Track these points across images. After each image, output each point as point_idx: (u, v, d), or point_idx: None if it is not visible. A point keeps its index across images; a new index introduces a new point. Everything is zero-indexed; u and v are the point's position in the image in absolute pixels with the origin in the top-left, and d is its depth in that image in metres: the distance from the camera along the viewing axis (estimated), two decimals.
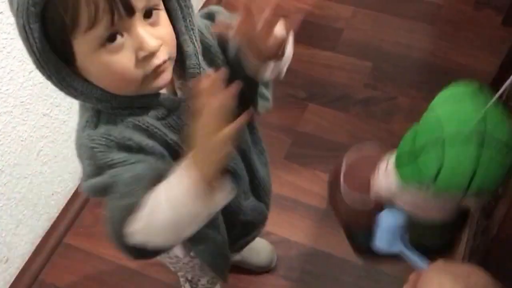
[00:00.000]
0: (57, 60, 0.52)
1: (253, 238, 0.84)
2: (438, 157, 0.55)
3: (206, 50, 0.62)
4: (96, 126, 0.57)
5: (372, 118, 1.39)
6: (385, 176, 0.64)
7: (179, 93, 0.61)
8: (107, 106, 0.56)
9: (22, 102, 1.04)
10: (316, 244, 1.20)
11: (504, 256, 0.66)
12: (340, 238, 1.23)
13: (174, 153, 0.60)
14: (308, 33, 1.57)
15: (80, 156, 0.59)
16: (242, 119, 0.50)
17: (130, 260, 1.20)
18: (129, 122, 0.57)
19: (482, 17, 1.56)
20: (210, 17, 0.64)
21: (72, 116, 1.19)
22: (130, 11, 0.51)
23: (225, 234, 0.73)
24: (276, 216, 1.24)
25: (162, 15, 0.55)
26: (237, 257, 1.14)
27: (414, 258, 0.64)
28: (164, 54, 0.54)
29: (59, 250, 1.25)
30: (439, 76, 1.45)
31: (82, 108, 0.60)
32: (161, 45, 0.53)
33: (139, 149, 0.57)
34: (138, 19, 0.51)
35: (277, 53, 0.57)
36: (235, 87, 0.50)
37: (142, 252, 0.58)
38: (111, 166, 0.56)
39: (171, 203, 0.53)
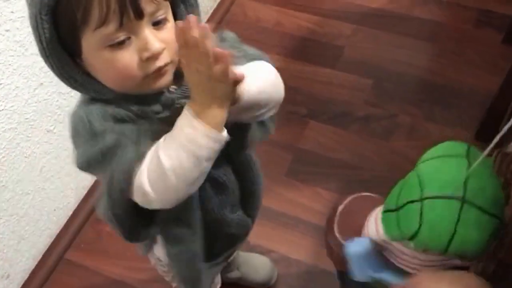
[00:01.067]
0: (62, 51, 0.54)
1: (233, 252, 0.84)
2: (416, 218, 0.56)
3: None
4: (90, 104, 0.58)
5: (372, 136, 1.39)
6: (374, 228, 0.66)
7: (173, 90, 0.62)
8: (103, 99, 0.58)
9: (27, 118, 1.06)
10: (316, 262, 1.20)
11: (509, 280, 0.66)
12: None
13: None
14: (309, 50, 1.59)
15: (75, 129, 0.58)
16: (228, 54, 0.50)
17: (131, 277, 1.21)
18: (125, 107, 0.58)
19: (482, 36, 1.57)
20: (221, 40, 0.66)
21: None
22: (140, 14, 0.53)
23: (200, 242, 0.72)
24: (277, 234, 1.24)
25: (169, 23, 0.56)
26: (236, 274, 1.14)
27: (390, 279, 0.65)
28: (167, 57, 0.56)
29: (60, 266, 1.25)
30: (440, 94, 1.46)
31: (80, 99, 0.62)
32: (164, 48, 0.55)
33: (134, 122, 0.58)
34: (145, 22, 0.53)
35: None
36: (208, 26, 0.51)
37: (137, 232, 0.61)
38: (110, 132, 0.56)
39: (180, 143, 0.54)
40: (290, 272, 1.19)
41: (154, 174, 0.55)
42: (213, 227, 0.72)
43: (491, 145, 0.58)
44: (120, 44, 0.53)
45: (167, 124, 0.57)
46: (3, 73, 0.97)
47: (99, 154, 0.56)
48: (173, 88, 0.61)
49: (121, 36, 0.53)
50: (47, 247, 1.23)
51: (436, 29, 1.60)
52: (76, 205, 1.29)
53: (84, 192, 1.30)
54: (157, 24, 0.55)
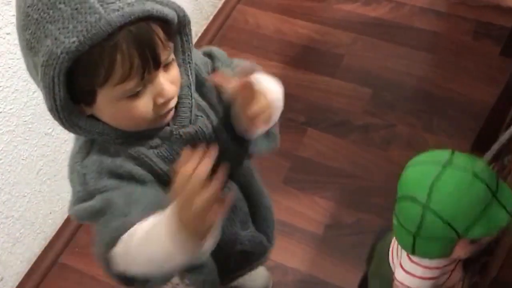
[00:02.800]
0: (73, 106, 0.53)
1: (253, 269, 0.84)
2: (395, 210, 0.65)
3: (200, 84, 0.64)
4: (87, 154, 0.58)
5: (370, 145, 1.40)
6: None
7: (169, 122, 0.62)
8: (105, 139, 0.58)
9: (25, 121, 1.05)
10: (312, 271, 1.20)
11: None
12: (336, 265, 1.23)
13: (163, 182, 0.60)
14: (309, 58, 1.59)
15: (71, 180, 0.60)
16: (218, 182, 0.47)
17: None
18: (122, 151, 0.58)
19: (480, 47, 1.58)
20: (211, 57, 0.66)
21: (73, 136, 1.20)
22: (158, 65, 0.53)
23: (212, 263, 0.72)
24: None
25: (174, 62, 0.57)
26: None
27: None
28: (176, 96, 0.57)
29: (54, 270, 1.24)
30: (438, 104, 1.47)
31: (76, 135, 0.61)
32: (175, 90, 0.56)
33: (130, 178, 0.58)
34: (160, 70, 0.54)
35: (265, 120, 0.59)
36: (210, 157, 0.48)
37: (129, 280, 0.58)
38: (102, 192, 0.57)
39: (147, 238, 0.52)
40: (286, 280, 1.19)
41: (125, 261, 0.55)
42: (225, 245, 0.71)
43: (490, 153, 0.59)
44: (137, 94, 0.53)
45: (164, 161, 0.59)
46: (2, 75, 0.97)
47: (93, 211, 0.57)
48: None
49: (139, 88, 0.53)
50: (41, 250, 1.22)
51: (435, 39, 1.61)
52: None
53: None
54: (166, 65, 0.55)
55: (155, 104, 0.55)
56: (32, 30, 0.49)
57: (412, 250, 0.64)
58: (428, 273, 0.68)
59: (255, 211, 0.74)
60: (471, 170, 0.60)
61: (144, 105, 0.54)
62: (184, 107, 0.61)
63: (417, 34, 1.62)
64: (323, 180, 1.34)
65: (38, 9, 0.48)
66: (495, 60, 1.53)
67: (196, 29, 1.59)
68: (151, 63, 0.52)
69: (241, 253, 0.76)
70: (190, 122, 0.61)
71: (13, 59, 0.98)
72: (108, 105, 0.54)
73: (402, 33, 1.62)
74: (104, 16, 0.47)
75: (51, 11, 0.48)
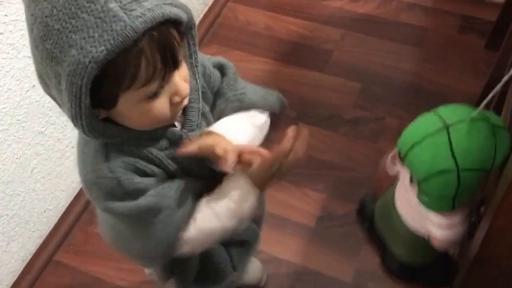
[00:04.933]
0: (93, 112, 0.54)
1: (251, 256, 0.86)
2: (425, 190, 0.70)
3: (202, 92, 0.65)
4: (107, 157, 0.59)
5: (360, 138, 1.42)
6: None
7: (177, 124, 0.64)
8: (117, 140, 0.59)
9: (18, 120, 1.06)
10: (305, 263, 1.22)
11: (483, 277, 0.68)
12: (329, 256, 1.25)
13: (172, 178, 0.62)
14: (299, 54, 1.61)
15: (96, 189, 0.59)
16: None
17: (120, 278, 1.21)
18: (136, 152, 0.59)
19: (466, 41, 1.61)
20: (220, 69, 0.69)
21: (67, 134, 1.20)
22: (177, 66, 0.55)
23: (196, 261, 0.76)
24: (266, 235, 1.24)
25: (183, 60, 0.58)
26: None
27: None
28: (188, 94, 0.59)
29: (49, 268, 1.25)
30: (425, 97, 1.49)
31: (85, 137, 0.60)
32: (188, 88, 0.58)
33: (152, 173, 0.60)
34: (176, 70, 0.55)
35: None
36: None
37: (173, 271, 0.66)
38: (143, 190, 0.59)
39: (230, 209, 0.61)
40: (280, 272, 1.21)
41: (202, 238, 0.63)
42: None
43: (483, 104, 0.62)
44: (155, 94, 0.54)
45: (174, 162, 0.61)
46: None
47: (146, 209, 0.59)
48: (178, 116, 0.63)
49: (159, 88, 0.54)
50: (36, 248, 1.23)
51: (421, 34, 1.64)
52: (66, 207, 1.29)
53: (74, 193, 1.30)
54: (179, 65, 0.57)
55: (171, 103, 0.56)
56: (54, 40, 0.48)
57: (453, 207, 0.66)
58: (465, 214, 0.71)
59: None
60: (466, 117, 0.63)
61: (161, 105, 0.55)
62: (193, 111, 0.63)
63: (404, 29, 1.65)
64: (314, 173, 1.36)
65: (59, 19, 0.48)
66: (480, 53, 1.56)
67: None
68: (171, 64, 0.53)
69: (240, 243, 0.79)
70: (197, 126, 0.63)
71: (6, 58, 0.98)
72: (127, 108, 0.55)
73: (390, 28, 1.65)
74: (129, 23, 0.47)
75: (73, 21, 0.48)
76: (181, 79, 0.56)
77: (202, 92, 0.65)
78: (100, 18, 0.47)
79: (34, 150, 1.12)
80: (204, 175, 0.65)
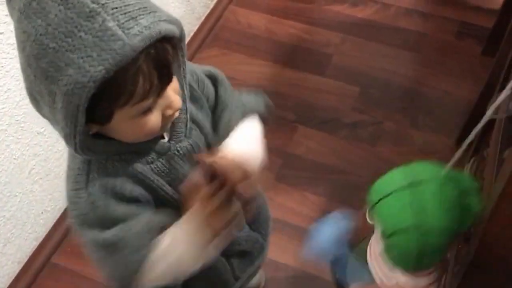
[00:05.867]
0: (87, 130, 0.53)
1: (257, 268, 0.85)
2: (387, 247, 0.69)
3: (195, 98, 0.66)
4: (88, 175, 0.58)
5: (359, 141, 1.42)
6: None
7: (165, 134, 0.64)
8: (104, 156, 0.58)
9: (17, 120, 1.05)
10: (304, 266, 1.21)
11: (479, 283, 0.68)
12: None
13: (158, 197, 0.63)
14: (298, 57, 1.61)
15: (74, 203, 0.59)
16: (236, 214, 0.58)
17: None
18: (119, 169, 0.59)
19: (463, 47, 1.62)
20: (211, 79, 0.69)
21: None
22: (171, 80, 0.55)
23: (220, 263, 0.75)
24: None
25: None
26: None
27: (354, 264, 0.69)
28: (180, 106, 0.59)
29: (46, 270, 1.24)
30: (423, 102, 1.50)
31: (72, 154, 0.60)
32: (180, 100, 0.58)
33: (131, 198, 0.59)
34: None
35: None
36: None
37: None
38: (115, 219, 0.58)
39: (169, 250, 0.60)
40: (279, 276, 1.20)
41: (152, 278, 0.61)
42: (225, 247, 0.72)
43: (453, 160, 0.62)
44: (149, 109, 0.54)
45: (160, 176, 0.61)
46: None
47: (106, 245, 0.59)
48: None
49: (153, 103, 0.54)
50: (33, 250, 1.22)
51: (419, 39, 1.65)
52: (63, 208, 1.27)
53: None
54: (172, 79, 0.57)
55: (164, 116, 0.56)
56: (49, 59, 0.47)
57: (416, 267, 0.66)
58: (432, 277, 0.71)
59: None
60: (436, 177, 0.63)
61: (155, 118, 0.55)
62: (180, 122, 0.62)
63: (403, 34, 1.66)
64: (314, 176, 1.36)
65: (55, 38, 0.47)
66: (478, 59, 1.58)
67: (188, 30, 1.60)
68: (166, 79, 0.53)
69: (241, 253, 0.78)
70: (185, 136, 0.63)
71: (6, 58, 0.97)
72: (121, 123, 0.54)
73: (388, 33, 1.66)
74: (128, 42, 0.47)
75: (69, 40, 0.47)
76: (173, 92, 0.56)
77: (196, 98, 0.65)
78: (98, 37, 0.46)
79: (32, 150, 1.11)
80: None
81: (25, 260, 1.20)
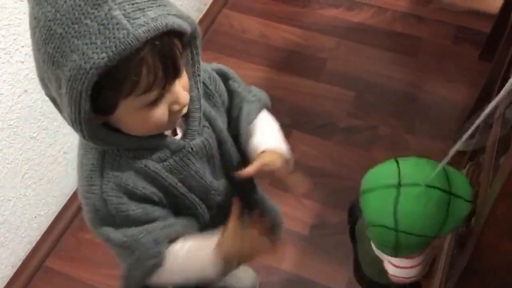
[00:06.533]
0: (93, 117, 0.54)
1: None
2: (370, 234, 0.70)
3: (208, 96, 0.67)
4: (101, 171, 0.59)
5: (354, 146, 1.42)
6: None
7: (178, 131, 0.64)
8: (117, 147, 0.59)
9: (10, 125, 1.05)
10: (298, 271, 1.21)
11: (474, 286, 0.68)
12: (322, 265, 1.25)
13: (169, 195, 0.63)
14: (293, 62, 1.62)
15: (88, 198, 0.60)
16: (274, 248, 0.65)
17: (110, 285, 1.20)
18: (133, 166, 0.59)
19: (460, 51, 1.62)
20: (222, 76, 0.70)
21: (58, 140, 1.20)
22: (178, 74, 0.55)
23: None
24: None
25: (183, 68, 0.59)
26: (219, 283, 1.14)
27: None
28: (188, 102, 0.59)
29: (40, 274, 1.24)
30: (419, 107, 1.50)
31: (85, 147, 0.61)
32: (188, 97, 0.58)
33: (143, 197, 0.61)
34: (177, 79, 0.56)
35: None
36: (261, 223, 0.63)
37: None
38: (125, 217, 0.60)
39: (187, 273, 0.64)
40: (273, 280, 1.20)
41: (161, 280, 0.65)
42: None
43: (447, 158, 0.62)
44: (155, 102, 0.55)
45: (172, 174, 0.62)
46: None
47: (120, 245, 0.61)
48: (178, 123, 0.64)
49: (159, 96, 0.54)
50: (26, 254, 1.22)
51: (416, 44, 1.65)
52: (57, 213, 1.28)
53: (66, 199, 1.29)
54: (180, 74, 0.57)
55: (170, 111, 0.57)
56: (56, 45, 0.48)
57: (395, 255, 0.67)
58: (416, 261, 0.71)
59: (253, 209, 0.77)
60: (421, 182, 0.63)
61: (161, 112, 0.56)
62: (194, 120, 0.63)
63: (399, 38, 1.66)
64: (308, 180, 1.36)
65: (62, 24, 0.48)
66: (474, 63, 1.58)
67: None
68: (172, 72, 0.54)
69: None
70: (198, 134, 0.64)
71: None
72: (126, 114, 0.55)
73: (384, 37, 1.66)
74: (132, 31, 0.48)
75: (76, 26, 0.48)
76: (182, 88, 0.56)
77: (210, 96, 0.66)
78: (103, 25, 0.47)
79: (25, 155, 1.12)
80: (203, 184, 0.66)
81: (19, 263, 1.21)
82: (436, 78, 1.56)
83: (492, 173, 0.74)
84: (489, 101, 0.64)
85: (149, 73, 0.51)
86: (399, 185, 0.62)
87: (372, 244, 0.73)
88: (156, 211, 0.62)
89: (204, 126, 0.65)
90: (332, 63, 1.60)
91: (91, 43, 0.47)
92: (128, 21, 0.48)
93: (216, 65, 0.71)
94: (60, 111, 0.56)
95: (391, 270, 0.73)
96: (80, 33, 0.47)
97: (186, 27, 0.54)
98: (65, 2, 0.48)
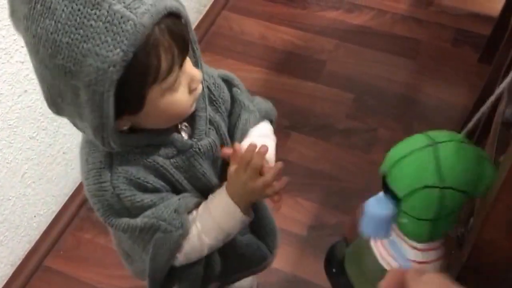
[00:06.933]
0: (117, 126, 0.54)
1: (250, 274, 0.87)
2: (404, 209, 0.66)
3: (212, 101, 0.67)
4: (110, 167, 0.59)
5: (353, 148, 1.43)
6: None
7: (183, 133, 0.65)
8: (129, 149, 0.59)
9: (10, 125, 1.06)
10: (296, 271, 1.21)
11: (472, 286, 0.69)
12: (320, 265, 1.25)
13: (177, 191, 0.64)
14: (292, 64, 1.62)
15: (98, 196, 0.60)
16: (278, 167, 0.66)
17: (110, 284, 1.21)
18: (141, 161, 0.60)
19: (460, 54, 1.62)
20: (227, 83, 0.71)
21: (58, 140, 1.21)
22: (187, 49, 0.56)
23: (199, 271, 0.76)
24: None
25: None
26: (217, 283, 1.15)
27: (397, 248, 0.68)
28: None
29: (39, 273, 1.24)
30: (418, 109, 1.50)
31: (90, 145, 0.61)
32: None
33: (154, 189, 0.61)
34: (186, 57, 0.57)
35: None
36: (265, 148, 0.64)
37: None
38: (141, 208, 0.60)
39: (216, 225, 0.65)
40: (271, 280, 1.20)
41: (193, 252, 0.66)
42: (223, 246, 0.73)
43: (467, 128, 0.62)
44: (175, 86, 0.55)
45: (180, 171, 0.63)
46: None
47: (143, 228, 0.61)
48: (184, 125, 0.65)
49: (177, 78, 0.55)
50: (26, 253, 1.22)
51: (415, 46, 1.65)
52: (56, 212, 1.28)
53: (65, 199, 1.30)
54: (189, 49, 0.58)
55: (190, 91, 0.58)
56: (65, 55, 0.48)
57: (429, 236, 0.65)
58: (439, 252, 0.71)
59: (254, 220, 0.76)
60: (454, 138, 0.63)
61: (182, 95, 0.57)
62: (201, 119, 0.64)
63: (398, 41, 1.66)
64: (306, 182, 1.36)
65: (66, 32, 0.47)
66: (474, 66, 1.58)
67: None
68: (184, 48, 0.54)
69: (240, 256, 0.79)
70: (205, 134, 0.64)
71: None
72: (153, 105, 0.55)
73: (384, 40, 1.66)
74: (138, 21, 0.48)
75: (81, 31, 0.47)
76: (191, 65, 0.58)
77: (213, 101, 0.67)
78: (108, 22, 0.47)
79: (25, 155, 1.12)
80: (208, 185, 0.67)
81: (18, 263, 1.21)
82: (435, 80, 1.56)
83: None
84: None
85: (167, 53, 0.51)
86: (435, 143, 0.62)
87: (399, 231, 0.70)
88: (168, 194, 0.63)
89: (209, 129, 0.66)
90: (332, 65, 1.61)
91: (102, 43, 0.47)
92: (131, 12, 0.48)
93: (223, 72, 0.72)
94: (76, 124, 0.55)
95: (412, 255, 0.71)
96: (87, 37, 0.47)
97: (182, 9, 0.55)
98: (63, 11, 0.47)
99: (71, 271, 1.24)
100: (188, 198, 0.64)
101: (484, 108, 0.59)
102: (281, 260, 1.23)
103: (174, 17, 0.53)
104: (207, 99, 0.64)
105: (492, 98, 0.58)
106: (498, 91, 0.56)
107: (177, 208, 0.62)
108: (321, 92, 1.54)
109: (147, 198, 0.60)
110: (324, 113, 1.50)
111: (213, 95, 0.67)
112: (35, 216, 1.22)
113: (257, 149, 0.63)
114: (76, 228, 1.30)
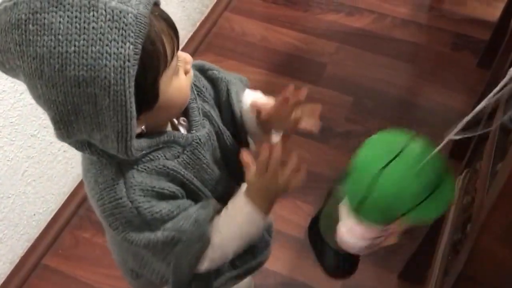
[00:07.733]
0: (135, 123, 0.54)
1: (259, 263, 0.87)
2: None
3: (197, 92, 0.68)
4: (124, 182, 0.58)
5: (351, 151, 1.41)
6: None
7: (181, 129, 0.66)
8: (140, 151, 0.58)
9: (12, 122, 1.06)
10: (293, 274, 1.22)
11: None
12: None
13: (188, 190, 0.64)
14: (293, 66, 1.63)
15: (116, 219, 0.59)
16: (302, 171, 0.69)
17: (108, 284, 1.21)
18: (152, 169, 0.59)
19: (459, 59, 1.63)
20: (199, 70, 0.70)
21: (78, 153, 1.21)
22: (178, 33, 0.57)
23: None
24: None
25: None
26: None
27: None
28: None
29: (37, 271, 1.24)
30: (417, 113, 1.51)
31: (96, 166, 0.59)
32: None
33: (171, 195, 0.61)
34: None
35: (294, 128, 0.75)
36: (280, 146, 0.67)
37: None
38: (162, 219, 0.60)
39: (239, 232, 0.65)
40: (268, 283, 1.21)
41: (218, 258, 0.67)
42: None
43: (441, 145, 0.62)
44: (177, 69, 0.57)
45: (187, 168, 0.63)
46: None
47: (165, 242, 0.61)
48: (182, 119, 0.65)
49: (177, 62, 0.57)
50: (24, 251, 1.23)
51: (415, 50, 1.66)
52: (56, 211, 1.28)
53: (65, 198, 1.30)
54: None
55: (186, 72, 0.59)
56: (75, 65, 0.47)
57: (357, 211, 0.65)
58: (370, 233, 0.70)
59: None
60: (417, 164, 0.62)
61: (183, 78, 0.59)
62: (194, 111, 0.65)
63: (398, 44, 1.67)
64: (306, 185, 1.35)
65: (70, 42, 0.46)
66: (473, 71, 1.59)
67: (183, 36, 1.61)
68: (176, 30, 0.56)
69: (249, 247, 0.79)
70: (201, 126, 0.65)
71: None
72: (165, 94, 0.56)
73: (384, 43, 1.67)
74: (136, 12, 0.48)
75: (85, 36, 0.46)
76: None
77: (198, 92, 0.68)
78: (110, 20, 0.47)
79: (26, 153, 1.13)
80: (213, 177, 0.68)
81: (17, 261, 1.21)
82: (434, 84, 1.57)
83: (489, 180, 0.75)
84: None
85: (168, 38, 0.53)
86: (397, 156, 0.62)
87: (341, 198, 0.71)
88: (185, 202, 0.63)
89: (203, 119, 0.66)
90: (332, 67, 1.61)
91: (110, 41, 0.47)
92: (126, 5, 0.48)
93: (198, 62, 0.72)
94: (94, 138, 0.54)
95: (343, 232, 0.71)
96: (93, 40, 0.47)
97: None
98: (60, 22, 0.46)
99: (69, 270, 1.24)
100: (207, 207, 0.64)
101: (476, 110, 0.59)
102: (279, 263, 1.23)
103: (156, 5, 0.55)
104: (194, 91, 0.66)
105: (483, 105, 0.58)
106: (490, 98, 0.56)
107: (197, 218, 0.62)
108: (320, 94, 1.55)
109: (165, 208, 0.60)
110: (323, 116, 1.48)
111: (196, 86, 0.68)
112: (34, 215, 1.22)
113: (270, 152, 0.65)
114: (75, 227, 1.30)
